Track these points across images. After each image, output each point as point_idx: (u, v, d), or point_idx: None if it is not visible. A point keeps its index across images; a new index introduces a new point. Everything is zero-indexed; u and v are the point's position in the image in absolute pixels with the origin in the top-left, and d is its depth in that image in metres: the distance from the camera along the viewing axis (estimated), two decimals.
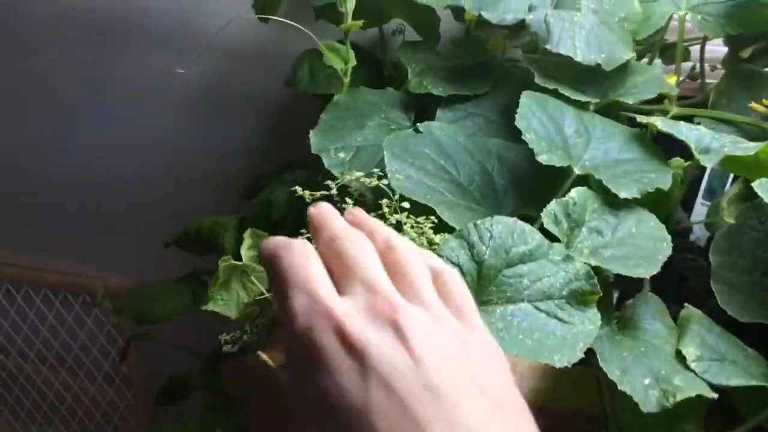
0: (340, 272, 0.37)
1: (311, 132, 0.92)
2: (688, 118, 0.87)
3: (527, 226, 0.60)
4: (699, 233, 0.85)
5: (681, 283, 0.77)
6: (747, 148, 0.66)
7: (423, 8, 0.96)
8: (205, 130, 1.42)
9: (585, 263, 0.59)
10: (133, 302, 1.26)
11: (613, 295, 0.67)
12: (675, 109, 0.86)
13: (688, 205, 0.92)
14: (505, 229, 0.60)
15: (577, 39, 0.78)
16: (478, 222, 0.60)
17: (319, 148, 0.89)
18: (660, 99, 0.86)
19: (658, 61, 0.86)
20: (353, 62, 0.98)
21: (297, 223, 1.12)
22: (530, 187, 0.78)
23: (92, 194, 1.51)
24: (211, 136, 1.43)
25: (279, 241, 0.38)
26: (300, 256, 0.37)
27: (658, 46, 0.94)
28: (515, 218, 0.61)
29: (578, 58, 0.77)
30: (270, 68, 1.31)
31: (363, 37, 1.19)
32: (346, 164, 0.87)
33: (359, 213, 0.43)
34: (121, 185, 1.48)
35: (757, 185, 0.60)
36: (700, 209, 0.89)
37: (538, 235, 0.60)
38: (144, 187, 1.49)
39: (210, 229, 1.18)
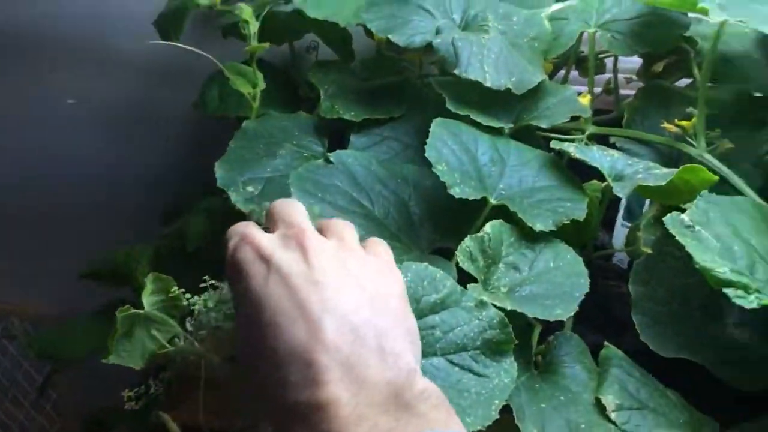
0: (271, 225, 0.50)
1: (217, 163, 0.87)
2: (604, 137, 0.86)
3: (438, 272, 0.57)
4: (622, 255, 0.84)
5: (604, 312, 0.75)
6: (659, 176, 0.64)
7: (334, 24, 0.92)
8: (122, 153, 1.35)
9: (500, 310, 0.56)
10: (42, 342, 1.18)
11: (534, 332, 0.65)
12: (591, 128, 0.84)
13: (610, 224, 0.90)
14: (414, 277, 0.56)
15: (486, 63, 0.75)
16: None
17: (226, 181, 0.84)
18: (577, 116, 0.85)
19: (571, 83, 0.84)
20: (262, 85, 0.93)
21: (214, 254, 1.05)
22: (448, 217, 0.75)
23: (12, 220, 1.42)
24: (127, 160, 1.35)
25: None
26: (239, 224, 0.50)
27: (572, 62, 0.92)
28: (426, 264, 0.58)
29: (488, 84, 0.74)
30: (185, 89, 1.24)
31: (277, 53, 1.14)
32: (256, 198, 0.82)
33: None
34: (40, 212, 1.39)
35: (668, 220, 0.58)
36: (621, 230, 0.87)
37: (450, 281, 0.57)
38: (60, 213, 1.40)
39: (123, 262, 1.11)
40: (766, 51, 0.86)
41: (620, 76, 1.05)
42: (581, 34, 0.86)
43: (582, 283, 0.62)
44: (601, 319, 0.75)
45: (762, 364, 0.59)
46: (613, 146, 0.83)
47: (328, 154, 0.79)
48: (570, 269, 0.64)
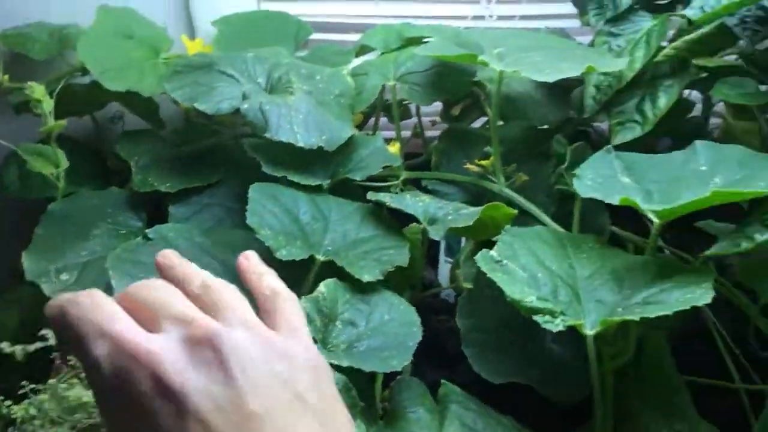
0: (145, 318, 0.36)
1: (24, 253, 0.80)
2: (418, 181, 0.91)
3: None
4: (449, 290, 0.89)
5: (439, 348, 0.79)
6: (466, 216, 0.70)
7: (137, 94, 0.89)
8: None
9: (341, 374, 0.57)
10: None
11: (377, 383, 0.66)
12: (404, 174, 0.89)
13: (435, 261, 0.96)
14: None
15: (296, 124, 0.77)
16: None
17: (36, 272, 0.78)
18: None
19: (381, 128, 0.88)
20: (65, 164, 0.88)
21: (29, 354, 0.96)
22: (280, 278, 0.75)
23: None
24: None
25: (63, 298, 0.36)
26: (91, 304, 0.35)
27: (379, 112, 0.98)
28: None
29: (300, 144, 0.76)
30: None
31: (79, 126, 1.08)
32: (72, 287, 0.77)
33: (172, 255, 0.43)
34: None
35: (478, 258, 0.63)
36: (445, 267, 0.93)
37: None
38: None
39: None
40: (544, 91, 0.96)
41: (426, 119, 1.12)
42: (383, 86, 0.91)
43: (415, 332, 0.65)
44: (438, 355, 0.79)
45: (577, 376, 0.66)
46: (425, 189, 0.89)
47: (147, 230, 0.76)
48: (403, 319, 0.67)
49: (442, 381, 0.65)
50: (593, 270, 0.66)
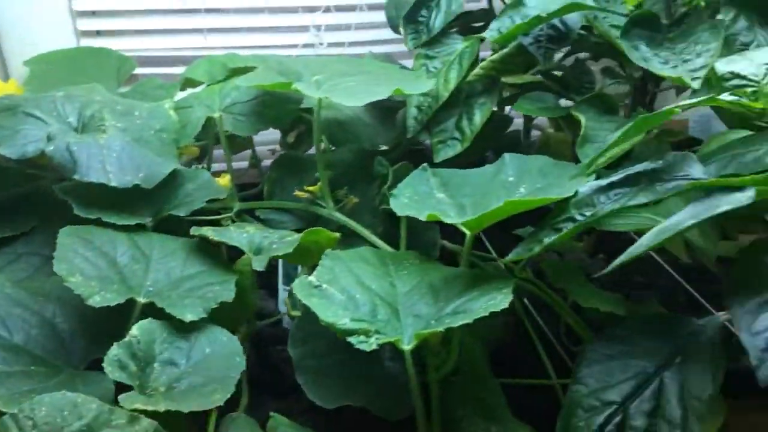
0: None
1: None
2: (252, 210, 0.90)
3: (79, 397, 0.54)
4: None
5: (278, 378, 0.78)
6: (288, 244, 0.70)
7: None
8: None
9: (153, 420, 0.54)
10: None
11: (210, 422, 0.64)
12: (237, 205, 0.88)
13: (275, 290, 0.95)
14: (51, 410, 0.52)
15: (108, 163, 0.74)
16: (16, 411, 0.52)
17: None
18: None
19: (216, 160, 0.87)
20: None
21: None
22: (100, 326, 0.71)
23: None
24: None
25: None
26: None
27: (212, 144, 0.96)
28: (63, 392, 0.54)
29: (113, 183, 0.73)
30: None
31: None
32: None
33: None
34: None
35: (296, 285, 0.63)
36: (283, 294, 0.92)
37: (95, 403, 0.54)
38: None
39: None
40: (374, 114, 0.99)
41: (265, 148, 1.12)
42: (209, 118, 0.90)
43: (238, 362, 0.64)
44: (278, 385, 0.78)
45: (407, 391, 0.66)
46: (259, 218, 0.88)
47: None
48: (225, 351, 0.65)
49: (271, 414, 0.64)
50: (413, 285, 0.68)
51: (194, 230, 0.75)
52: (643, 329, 0.57)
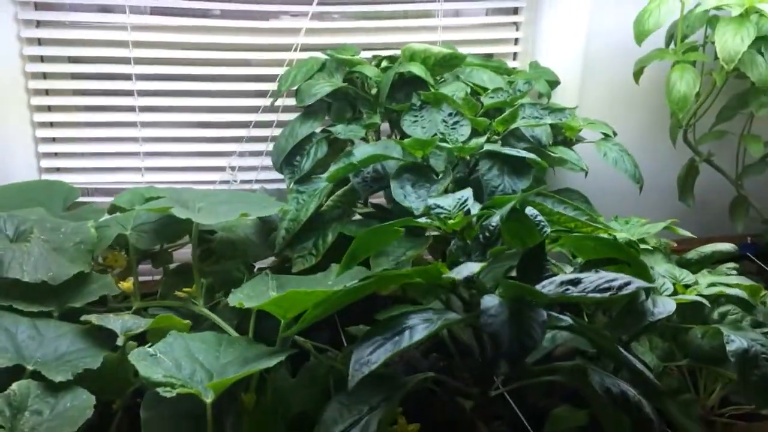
0: None
1: None
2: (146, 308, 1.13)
3: None
4: None
5: None
6: (144, 324, 0.92)
7: None
8: None
9: None
10: None
11: None
12: (137, 303, 1.11)
13: None
14: None
15: (26, 264, 0.99)
16: None
17: None
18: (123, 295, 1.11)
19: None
20: None
21: None
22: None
23: None
24: None
25: None
26: None
27: (136, 259, 1.20)
28: None
29: (26, 279, 0.97)
30: None
31: None
32: None
33: None
34: None
35: (132, 354, 0.85)
36: None
37: None
38: None
39: None
40: (261, 235, 1.24)
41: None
42: (122, 235, 1.15)
43: (87, 413, 0.84)
44: None
45: None
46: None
47: None
48: (83, 405, 0.86)
49: None
50: (233, 359, 0.89)
51: (83, 317, 0.98)
52: (370, 383, 0.77)
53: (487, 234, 0.75)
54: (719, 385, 1.06)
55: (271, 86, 1.33)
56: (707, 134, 1.53)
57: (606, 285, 0.68)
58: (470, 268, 0.69)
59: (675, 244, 1.31)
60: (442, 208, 0.80)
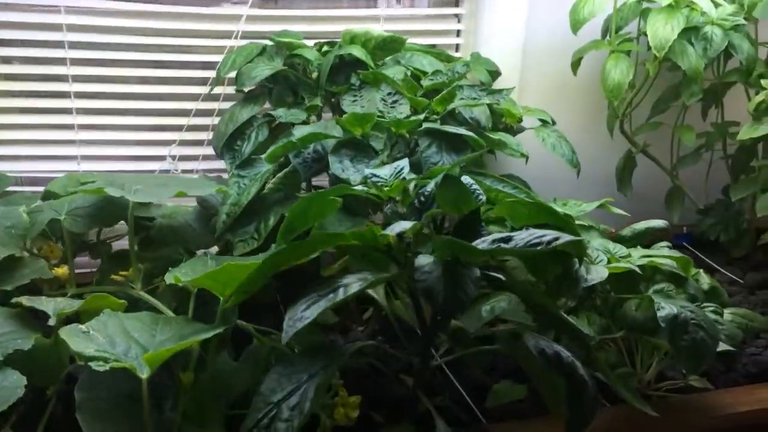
0: None
1: None
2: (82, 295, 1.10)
3: None
4: None
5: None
6: (76, 305, 0.89)
7: None
8: None
9: None
10: None
11: None
12: (72, 290, 1.08)
13: None
14: None
15: None
16: None
17: None
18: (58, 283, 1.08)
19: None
20: None
21: None
22: None
23: None
24: None
25: None
26: None
27: (72, 250, 1.17)
28: None
29: None
30: None
31: None
32: None
33: None
34: None
35: (64, 330, 0.82)
36: None
37: None
38: None
39: None
40: (201, 222, 1.22)
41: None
42: (56, 219, 1.12)
43: (18, 391, 0.81)
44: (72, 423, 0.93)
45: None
46: None
47: None
48: (13, 385, 0.82)
49: None
50: (170, 336, 0.87)
51: (14, 300, 0.95)
52: (309, 353, 0.77)
53: (422, 199, 0.76)
54: (655, 359, 1.09)
55: (213, 74, 1.32)
56: (643, 125, 1.58)
57: (536, 240, 0.69)
58: (403, 225, 0.69)
59: (613, 230, 1.35)
60: (379, 177, 0.80)
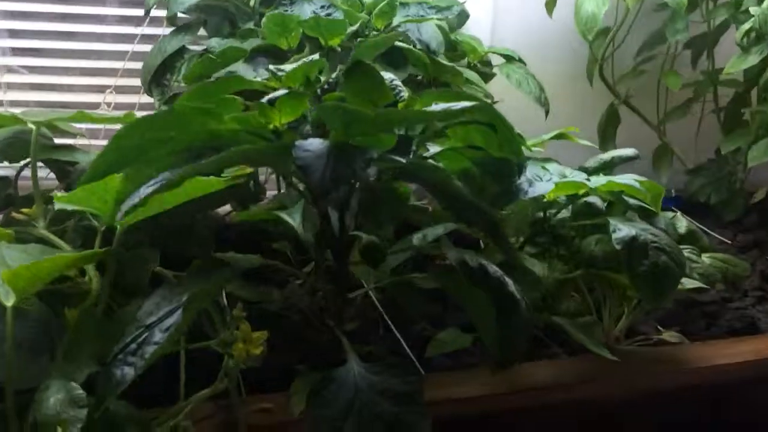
0: None
1: None
2: None
3: None
4: None
5: None
6: None
7: None
8: None
9: None
10: None
11: None
12: None
13: None
14: None
15: None
16: None
17: None
18: None
19: None
20: None
21: None
22: None
23: None
24: None
25: None
26: None
27: None
28: None
29: None
30: None
31: None
32: None
33: None
34: None
35: None
36: None
37: None
38: None
39: None
40: None
41: None
42: None
43: None
44: None
45: None
46: None
47: None
48: None
49: None
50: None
51: None
52: (196, 274, 0.65)
53: (326, 87, 0.63)
54: (625, 311, 0.96)
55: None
56: (626, 73, 1.46)
57: (445, 108, 0.56)
58: (277, 93, 0.56)
59: None
60: (284, 71, 0.68)
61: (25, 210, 0.95)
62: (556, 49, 1.49)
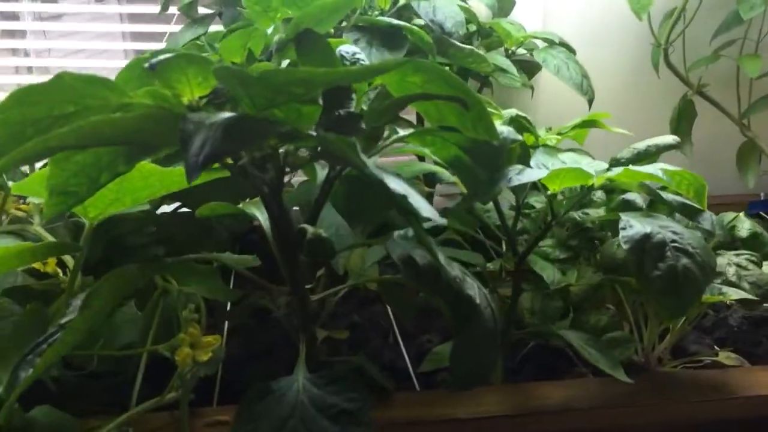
0: None
1: None
2: None
3: None
4: None
5: None
6: None
7: None
8: None
9: None
10: None
11: None
12: None
13: None
14: None
15: None
16: None
17: None
18: None
19: None
20: None
21: None
22: None
23: None
24: None
25: None
26: None
27: None
28: None
29: None
30: None
31: None
32: None
33: None
34: None
35: None
36: None
37: None
38: None
39: None
40: None
41: None
42: None
43: None
44: None
45: None
46: None
47: None
48: None
49: None
50: None
51: None
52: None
53: (261, 59, 0.56)
54: (671, 327, 0.82)
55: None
56: (699, 60, 1.28)
57: None
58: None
59: None
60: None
61: (22, 206, 0.93)
62: (617, 36, 1.34)
